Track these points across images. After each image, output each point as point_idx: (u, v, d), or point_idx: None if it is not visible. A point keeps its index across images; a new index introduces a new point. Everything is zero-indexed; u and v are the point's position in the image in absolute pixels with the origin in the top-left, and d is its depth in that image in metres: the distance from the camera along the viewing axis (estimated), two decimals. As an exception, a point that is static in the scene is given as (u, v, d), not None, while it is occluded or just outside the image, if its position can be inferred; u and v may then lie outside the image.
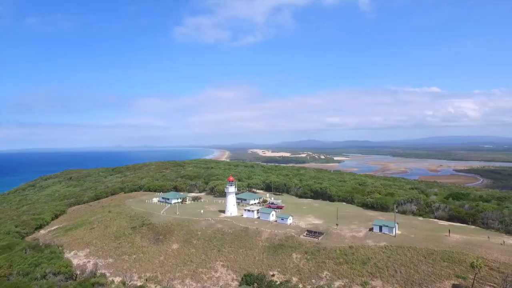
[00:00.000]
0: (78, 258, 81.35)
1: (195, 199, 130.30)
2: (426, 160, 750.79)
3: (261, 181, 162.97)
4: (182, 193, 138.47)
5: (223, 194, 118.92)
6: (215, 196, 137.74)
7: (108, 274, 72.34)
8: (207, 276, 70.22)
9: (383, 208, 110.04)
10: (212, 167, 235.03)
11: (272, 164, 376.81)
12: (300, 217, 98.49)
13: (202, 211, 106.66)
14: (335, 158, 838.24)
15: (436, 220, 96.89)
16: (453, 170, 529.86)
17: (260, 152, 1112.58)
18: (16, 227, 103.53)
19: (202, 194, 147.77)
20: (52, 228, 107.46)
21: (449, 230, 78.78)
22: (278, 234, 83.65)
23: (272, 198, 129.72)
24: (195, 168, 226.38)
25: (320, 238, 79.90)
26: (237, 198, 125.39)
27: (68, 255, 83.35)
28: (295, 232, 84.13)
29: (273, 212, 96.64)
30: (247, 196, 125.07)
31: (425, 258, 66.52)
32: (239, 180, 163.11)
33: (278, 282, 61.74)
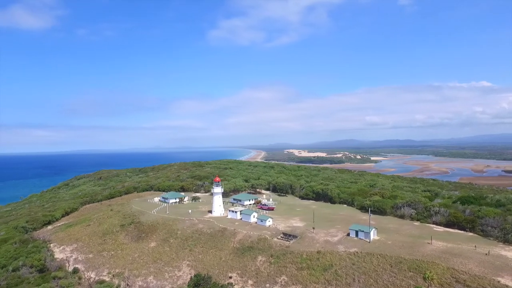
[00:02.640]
0: (64, 253, 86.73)
1: (194, 199, 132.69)
2: (472, 160, 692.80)
3: (267, 182, 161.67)
4: (183, 193, 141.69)
5: (223, 195, 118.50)
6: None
7: (82, 269, 76.29)
8: (170, 274, 71.27)
9: (380, 211, 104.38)
10: (230, 168, 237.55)
11: (295, 164, 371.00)
12: (285, 219, 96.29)
13: (190, 211, 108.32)
14: (372, 158, 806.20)
15: (432, 225, 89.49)
16: (502, 171, 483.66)
17: (296, 152, 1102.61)
18: (26, 222, 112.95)
19: (206, 194, 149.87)
20: (58, 225, 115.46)
21: (431, 237, 72.36)
22: (252, 236, 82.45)
23: (270, 199, 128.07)
24: (212, 169, 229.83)
25: (292, 241, 77.46)
26: (233, 199, 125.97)
27: (57, 249, 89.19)
28: (270, 235, 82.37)
29: (255, 214, 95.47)
30: (242, 197, 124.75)
31: (391, 267, 61.73)
32: (245, 181, 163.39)
33: (221, 284, 60.86)
